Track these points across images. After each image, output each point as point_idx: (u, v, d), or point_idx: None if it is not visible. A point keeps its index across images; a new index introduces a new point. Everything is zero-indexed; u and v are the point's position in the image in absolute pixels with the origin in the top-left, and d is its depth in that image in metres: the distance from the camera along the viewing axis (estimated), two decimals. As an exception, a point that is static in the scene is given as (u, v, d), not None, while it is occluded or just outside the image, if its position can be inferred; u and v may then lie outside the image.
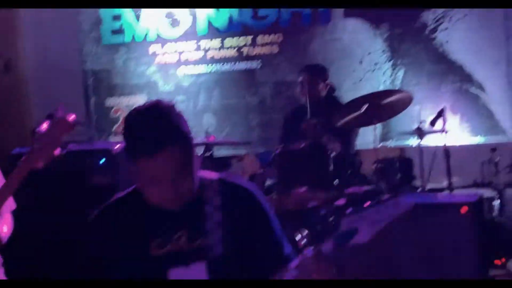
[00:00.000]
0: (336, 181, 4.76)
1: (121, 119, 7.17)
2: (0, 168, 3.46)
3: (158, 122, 2.04)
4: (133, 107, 2.12)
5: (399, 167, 5.85)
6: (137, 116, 2.08)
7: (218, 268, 2.18)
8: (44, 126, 2.64)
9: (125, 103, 7.15)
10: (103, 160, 5.15)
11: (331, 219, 4.21)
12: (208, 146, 5.37)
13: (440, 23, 6.28)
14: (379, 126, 6.06)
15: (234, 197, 2.28)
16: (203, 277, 2.18)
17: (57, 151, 2.65)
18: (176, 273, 2.19)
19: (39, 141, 2.64)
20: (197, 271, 2.20)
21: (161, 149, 2.01)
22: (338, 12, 6.52)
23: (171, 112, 2.09)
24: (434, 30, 6.30)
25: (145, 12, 6.98)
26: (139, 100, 7.05)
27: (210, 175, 2.30)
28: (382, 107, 4.89)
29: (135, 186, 2.22)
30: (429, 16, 6.29)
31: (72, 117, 2.66)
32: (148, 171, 2.06)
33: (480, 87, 6.20)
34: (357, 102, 4.88)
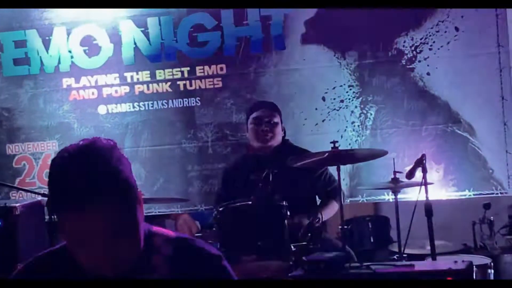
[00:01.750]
0: (292, 247, 4.78)
1: (25, 170, 7.06)
2: None
3: (92, 167, 2.01)
4: (58, 150, 2.07)
5: (373, 227, 5.77)
6: (65, 159, 2.07)
7: None
8: None
9: (31, 151, 7.00)
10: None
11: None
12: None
13: (420, 51, 6.31)
14: (346, 177, 6.12)
15: (200, 262, 2.29)
16: None
17: None
18: None
19: None
20: None
21: (94, 201, 1.98)
22: (295, 37, 6.57)
23: (110, 154, 2.07)
24: (413, 59, 6.31)
25: (55, 37, 6.93)
26: (49, 146, 6.97)
27: (165, 232, 2.31)
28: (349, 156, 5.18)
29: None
30: (406, 42, 6.35)
31: None
32: (76, 228, 2.04)
33: (469, 129, 6.20)
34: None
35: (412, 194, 5.34)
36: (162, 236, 2.31)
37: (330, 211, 5.60)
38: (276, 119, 5.73)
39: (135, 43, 6.77)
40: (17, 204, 5.31)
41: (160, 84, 6.77)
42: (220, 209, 4.85)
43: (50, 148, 6.95)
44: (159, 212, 6.56)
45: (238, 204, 4.80)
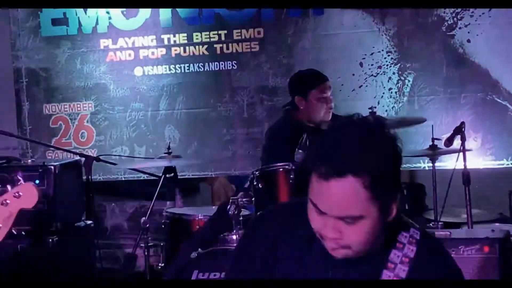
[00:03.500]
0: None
1: (62, 130, 7.10)
2: None
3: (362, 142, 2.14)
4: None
5: (408, 195, 5.77)
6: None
7: None
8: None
9: (67, 111, 7.05)
10: (37, 181, 5.16)
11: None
12: (170, 166, 5.32)
13: (461, 18, 6.27)
14: None
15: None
16: None
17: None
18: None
19: None
20: None
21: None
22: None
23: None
24: (453, 26, 6.28)
25: None
26: (85, 107, 7.00)
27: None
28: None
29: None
30: (448, 12, 6.29)
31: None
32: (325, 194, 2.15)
33: (509, 98, 6.19)
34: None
35: (449, 163, 5.34)
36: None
37: None
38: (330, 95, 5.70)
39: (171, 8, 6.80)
40: (55, 163, 5.32)
41: (196, 46, 6.76)
42: (257, 172, 4.85)
43: (86, 109, 6.99)
44: (192, 175, 6.58)
45: (274, 168, 4.78)
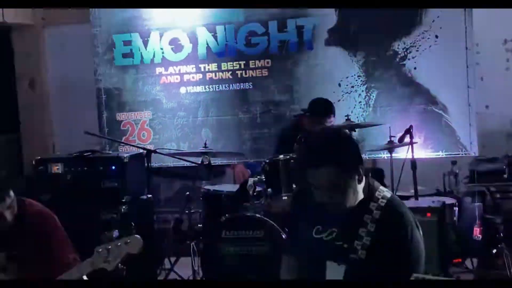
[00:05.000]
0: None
1: (129, 131, 7.12)
2: (25, 170, 3.53)
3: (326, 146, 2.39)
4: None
5: (372, 176, 5.78)
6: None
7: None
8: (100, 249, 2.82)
9: (133, 118, 7.04)
10: (113, 167, 5.26)
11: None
12: (207, 156, 5.32)
13: (409, 52, 6.26)
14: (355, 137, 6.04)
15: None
16: None
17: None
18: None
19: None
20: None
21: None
22: (320, 41, 6.50)
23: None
24: (404, 58, 6.26)
25: (152, 38, 6.93)
26: (145, 115, 7.00)
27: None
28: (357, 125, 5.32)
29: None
30: (400, 45, 6.28)
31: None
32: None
33: (443, 109, 6.17)
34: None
35: (402, 154, 5.30)
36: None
37: None
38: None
39: (207, 44, 6.72)
40: (125, 154, 5.39)
41: (223, 72, 6.72)
42: (267, 161, 4.83)
43: (146, 117, 6.95)
44: (221, 162, 6.50)
45: (278, 158, 4.74)
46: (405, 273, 2.11)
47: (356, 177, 2.38)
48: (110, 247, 2.79)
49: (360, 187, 2.42)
